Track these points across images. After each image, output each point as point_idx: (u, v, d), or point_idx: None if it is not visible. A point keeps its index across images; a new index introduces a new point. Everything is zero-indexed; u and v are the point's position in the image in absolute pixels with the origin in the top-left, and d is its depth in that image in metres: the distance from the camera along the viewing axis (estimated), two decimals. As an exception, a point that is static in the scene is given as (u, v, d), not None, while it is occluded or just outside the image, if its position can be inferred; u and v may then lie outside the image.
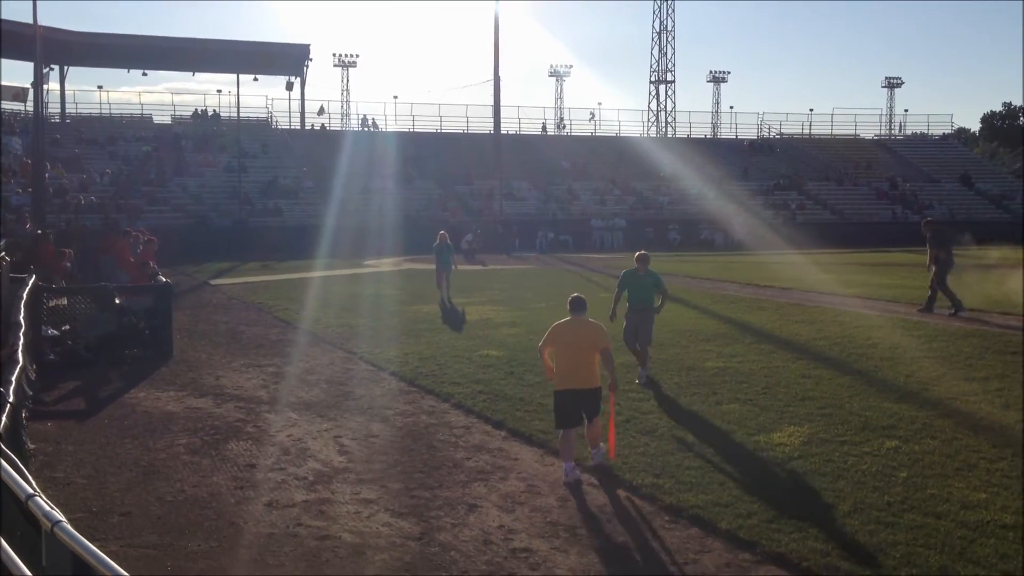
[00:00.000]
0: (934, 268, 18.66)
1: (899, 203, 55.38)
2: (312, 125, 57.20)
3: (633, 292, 12.65)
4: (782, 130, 65.81)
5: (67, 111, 53.53)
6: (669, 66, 68.01)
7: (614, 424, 9.03)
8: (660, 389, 11.95)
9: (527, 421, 10.43)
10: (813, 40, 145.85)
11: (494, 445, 9.67)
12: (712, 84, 70.52)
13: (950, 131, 71.84)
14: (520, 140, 57.45)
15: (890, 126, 71.29)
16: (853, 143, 65.70)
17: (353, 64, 63.25)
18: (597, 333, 8.69)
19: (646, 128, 66.68)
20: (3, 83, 50.02)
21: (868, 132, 67.97)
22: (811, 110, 67.28)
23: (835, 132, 66.51)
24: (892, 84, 72.37)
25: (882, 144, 66.29)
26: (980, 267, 25.20)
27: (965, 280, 20.78)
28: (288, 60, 54.18)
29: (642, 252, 12.98)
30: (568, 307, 8.84)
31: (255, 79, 55.00)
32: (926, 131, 70.22)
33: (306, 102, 56.36)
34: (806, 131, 65.99)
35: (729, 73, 71.12)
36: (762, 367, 13.32)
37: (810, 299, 21.60)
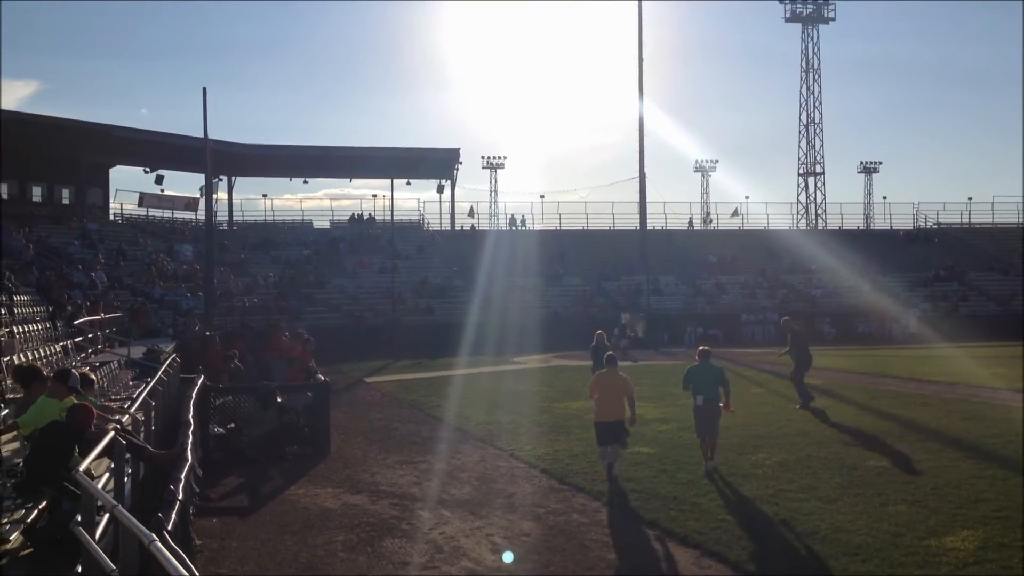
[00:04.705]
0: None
1: (1069, 293, 52.13)
2: (462, 226, 58.73)
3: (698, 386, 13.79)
4: (939, 220, 63.47)
5: (234, 218, 56.69)
6: (818, 158, 67.05)
7: None
8: (819, 490, 11.51)
9: (681, 520, 10.19)
10: (968, 127, 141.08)
11: (647, 545, 9.47)
12: (863, 175, 68.95)
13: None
14: (666, 235, 57.25)
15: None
16: (1017, 232, 62.72)
17: (501, 166, 64.80)
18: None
19: (795, 221, 65.48)
20: (176, 194, 53.76)
21: (1033, 221, 64.72)
22: (970, 198, 63.90)
23: (997, 221, 63.60)
24: (1058, 168, 69.20)
25: (1048, 233, 62.98)
26: None
27: None
28: (439, 164, 56.16)
29: (704, 347, 14.60)
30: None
31: (408, 183, 57.36)
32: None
33: (456, 203, 58.17)
34: (965, 220, 63.44)
35: (881, 163, 69.36)
36: (930, 467, 12.70)
37: (977, 395, 20.54)
